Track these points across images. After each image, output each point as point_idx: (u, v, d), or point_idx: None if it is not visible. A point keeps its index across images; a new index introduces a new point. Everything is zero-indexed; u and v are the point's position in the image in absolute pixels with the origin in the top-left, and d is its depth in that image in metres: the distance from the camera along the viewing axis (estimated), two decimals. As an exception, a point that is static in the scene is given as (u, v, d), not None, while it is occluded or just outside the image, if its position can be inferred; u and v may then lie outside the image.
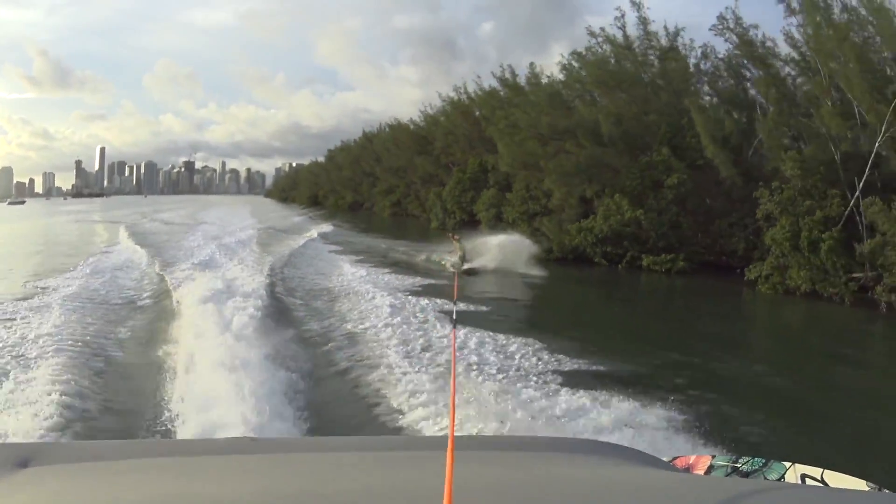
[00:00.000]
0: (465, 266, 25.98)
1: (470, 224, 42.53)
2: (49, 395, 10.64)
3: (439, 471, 1.63)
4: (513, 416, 9.93)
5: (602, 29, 34.05)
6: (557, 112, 33.20)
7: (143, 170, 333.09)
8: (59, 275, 23.91)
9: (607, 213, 28.62)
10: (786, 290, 23.85)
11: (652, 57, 32.97)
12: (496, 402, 10.62)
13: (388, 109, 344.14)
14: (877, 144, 23.56)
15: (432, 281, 23.36)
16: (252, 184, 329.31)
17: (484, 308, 19.15)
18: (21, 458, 1.95)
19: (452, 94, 57.89)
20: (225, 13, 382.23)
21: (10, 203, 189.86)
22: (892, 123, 23.02)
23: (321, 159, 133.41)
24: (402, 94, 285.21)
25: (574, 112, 32.89)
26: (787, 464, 2.63)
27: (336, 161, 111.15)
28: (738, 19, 29.80)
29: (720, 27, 30.35)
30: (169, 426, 9.53)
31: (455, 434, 2.50)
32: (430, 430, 9.70)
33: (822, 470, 2.51)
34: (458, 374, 12.33)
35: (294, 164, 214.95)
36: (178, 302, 18.26)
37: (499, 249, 27.43)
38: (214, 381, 10.38)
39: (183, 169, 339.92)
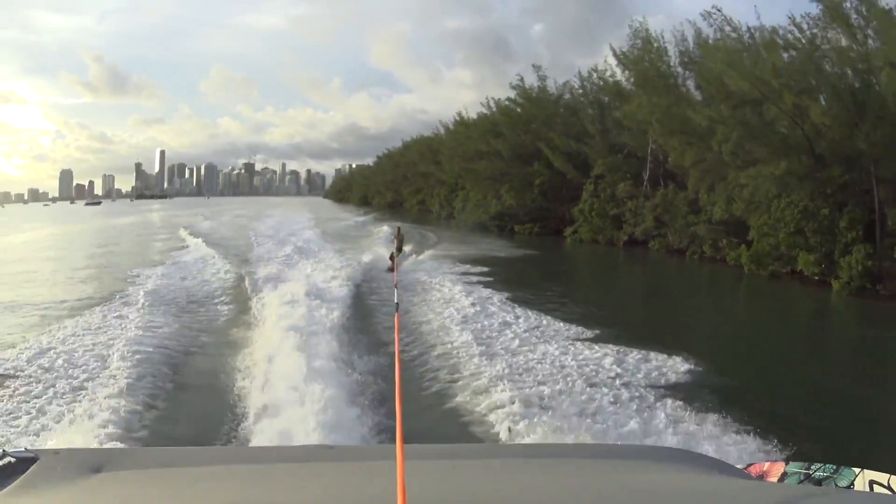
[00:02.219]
0: (396, 258, 28.76)
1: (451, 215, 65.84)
2: (123, 400, 11.32)
3: (525, 479, 2.08)
4: (582, 421, 10.74)
5: (518, 84, 57.27)
6: (482, 141, 56.90)
7: (202, 171, 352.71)
8: (149, 268, 28.90)
9: (498, 202, 51.90)
10: (580, 240, 46.38)
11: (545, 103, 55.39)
12: (561, 407, 11.43)
13: (444, 111, 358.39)
14: (649, 151, 43.52)
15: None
16: (312, 185, 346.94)
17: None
18: (95, 463, 2.13)
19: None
20: (276, 18, 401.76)
21: (87, 204, 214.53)
22: (655, 141, 42.08)
23: (364, 164, 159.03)
24: (458, 96, 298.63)
25: (491, 141, 56.31)
26: (857, 470, 2.79)
27: (381, 166, 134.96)
28: (595, 71, 50.98)
29: (584, 77, 52.66)
30: (243, 433, 10.00)
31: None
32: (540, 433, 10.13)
33: (888, 476, 2.68)
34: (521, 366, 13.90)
35: (353, 166, 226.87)
36: (256, 305, 19.57)
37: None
38: (287, 389, 10.95)
39: (243, 170, 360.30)
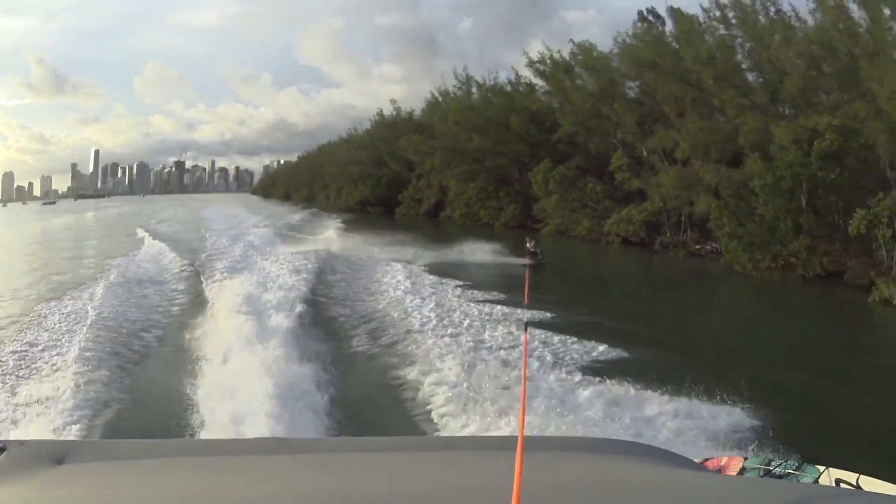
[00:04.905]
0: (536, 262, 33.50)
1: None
2: (82, 393, 12.34)
3: (438, 472, 2.20)
4: (537, 413, 11.23)
5: (378, 114, 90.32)
6: (355, 152, 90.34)
7: (135, 170, 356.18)
8: (99, 266, 32.03)
9: (360, 193, 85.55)
10: (404, 214, 79.97)
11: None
12: (515, 399, 11.96)
13: (373, 105, 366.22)
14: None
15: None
16: (240, 181, 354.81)
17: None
18: (60, 455, 2.26)
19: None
20: (211, 15, 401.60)
21: (44, 203, 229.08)
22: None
23: (294, 160, 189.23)
24: (386, 91, 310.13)
25: (360, 152, 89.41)
26: (821, 467, 2.91)
27: (301, 165, 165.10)
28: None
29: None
30: (198, 426, 10.93)
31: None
32: (452, 426, 11.39)
33: (857, 475, 2.78)
34: (476, 366, 14.44)
35: (282, 161, 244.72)
36: (212, 297, 21.42)
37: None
38: (244, 382, 11.94)
39: (174, 168, 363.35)
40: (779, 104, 40.55)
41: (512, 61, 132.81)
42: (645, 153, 47.00)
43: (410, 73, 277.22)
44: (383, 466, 2.26)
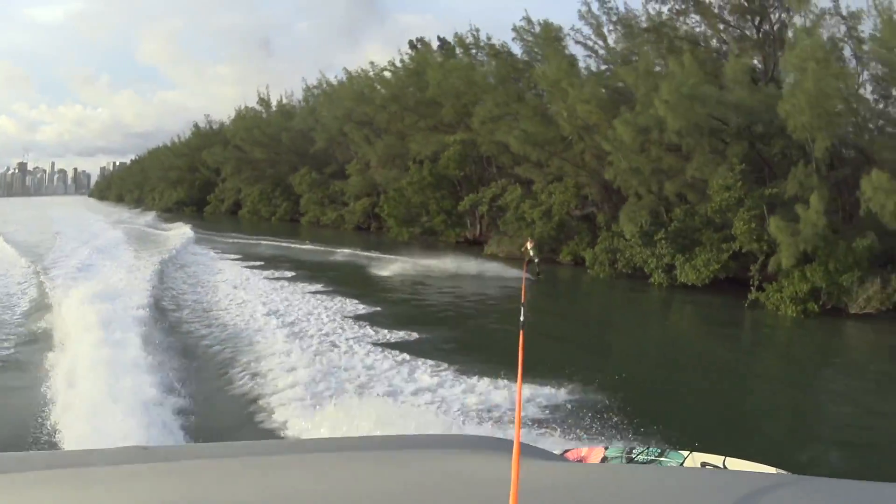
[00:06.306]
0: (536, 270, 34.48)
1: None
2: None
3: (290, 476, 2.23)
4: (385, 410, 11.69)
5: (195, 124, 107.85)
6: (175, 157, 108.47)
7: None
8: None
9: (177, 195, 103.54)
10: (211, 212, 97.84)
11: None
12: (365, 398, 12.34)
13: (206, 107, 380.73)
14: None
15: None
16: (78, 184, 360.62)
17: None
18: None
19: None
20: (57, 11, 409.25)
21: None
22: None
23: (128, 162, 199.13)
24: (220, 92, 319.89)
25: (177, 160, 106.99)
26: (686, 452, 3.02)
27: (133, 168, 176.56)
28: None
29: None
30: (54, 437, 10.53)
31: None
32: (302, 428, 11.51)
33: (723, 458, 2.90)
34: (335, 365, 15.23)
35: (117, 163, 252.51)
36: (57, 302, 20.81)
37: None
38: (98, 391, 11.64)
39: (17, 171, 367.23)
40: (445, 126, 59.84)
41: (345, 62, 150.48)
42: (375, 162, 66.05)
43: (243, 75, 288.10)
44: (244, 471, 2.30)
